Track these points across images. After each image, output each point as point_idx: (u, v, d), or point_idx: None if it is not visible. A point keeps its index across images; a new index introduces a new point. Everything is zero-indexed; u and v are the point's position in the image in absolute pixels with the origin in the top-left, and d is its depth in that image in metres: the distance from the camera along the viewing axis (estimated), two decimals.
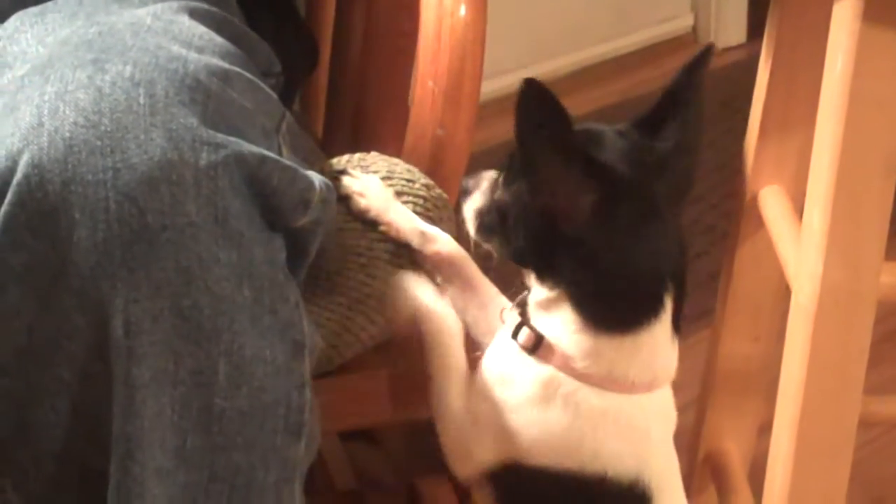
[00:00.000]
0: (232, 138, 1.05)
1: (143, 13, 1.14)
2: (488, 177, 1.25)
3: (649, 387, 1.20)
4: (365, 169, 1.34)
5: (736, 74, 2.88)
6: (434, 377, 1.23)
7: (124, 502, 1.06)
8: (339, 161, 1.37)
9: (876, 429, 2.02)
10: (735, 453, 1.72)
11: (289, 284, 1.11)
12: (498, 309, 1.28)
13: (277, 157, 1.08)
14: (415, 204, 1.31)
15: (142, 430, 1.05)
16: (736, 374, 1.71)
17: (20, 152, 1.02)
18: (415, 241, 1.30)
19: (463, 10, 1.32)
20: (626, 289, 1.17)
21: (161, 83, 1.05)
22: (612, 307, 1.17)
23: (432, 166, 1.35)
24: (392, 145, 1.40)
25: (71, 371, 1.06)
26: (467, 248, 1.30)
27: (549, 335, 1.18)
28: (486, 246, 1.25)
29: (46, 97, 1.04)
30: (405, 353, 1.30)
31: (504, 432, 1.20)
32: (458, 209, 1.28)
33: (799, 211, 1.39)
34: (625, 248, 1.15)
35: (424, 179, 1.33)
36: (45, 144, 1.02)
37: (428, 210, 1.32)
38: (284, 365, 1.10)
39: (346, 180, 1.30)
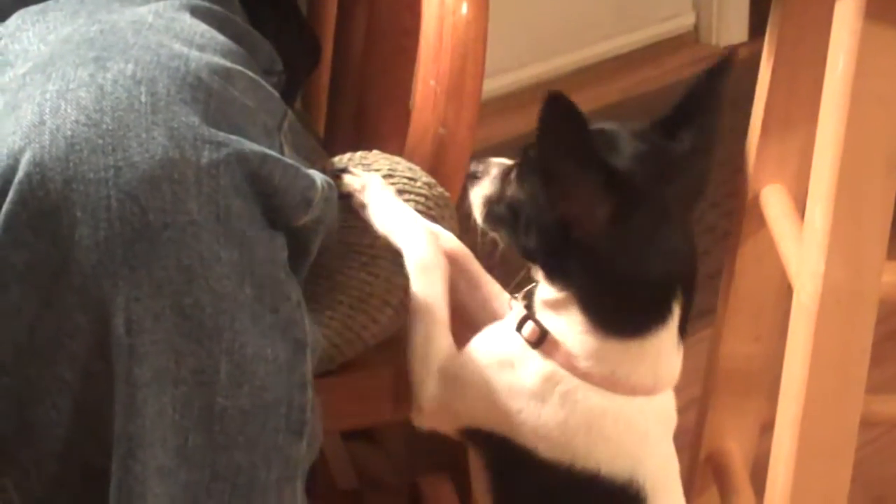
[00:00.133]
0: (233, 137, 1.05)
1: (145, 11, 1.14)
2: (497, 164, 1.25)
3: (651, 390, 1.20)
4: (366, 167, 1.34)
5: (737, 73, 2.87)
6: (417, 317, 1.24)
7: (125, 501, 1.06)
8: (341, 159, 1.37)
9: (877, 428, 2.02)
10: (737, 453, 1.72)
11: (290, 283, 1.10)
12: (500, 306, 1.28)
13: (279, 156, 1.08)
14: (416, 202, 1.31)
15: (143, 428, 1.05)
16: (737, 374, 1.70)
17: (22, 150, 1.02)
18: None
19: (465, 9, 1.32)
20: (636, 294, 1.16)
21: (163, 81, 1.05)
22: (620, 312, 1.17)
23: (434, 165, 1.35)
24: (394, 144, 1.40)
25: (72, 370, 1.05)
26: (470, 244, 1.30)
27: (554, 332, 1.18)
28: (493, 234, 1.25)
29: (48, 95, 1.04)
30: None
31: (494, 409, 1.20)
32: (464, 194, 1.27)
33: (801, 210, 1.39)
34: (638, 255, 1.14)
35: (426, 178, 1.33)
36: (47, 143, 1.02)
37: (429, 209, 1.32)
38: (286, 364, 1.10)
39: (347, 178, 1.30)
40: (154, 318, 1.03)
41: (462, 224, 1.32)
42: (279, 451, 1.11)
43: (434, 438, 1.27)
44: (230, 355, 1.06)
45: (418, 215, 1.30)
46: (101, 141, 1.02)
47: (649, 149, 1.16)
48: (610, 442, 1.19)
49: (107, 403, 1.05)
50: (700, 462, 1.75)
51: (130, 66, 1.05)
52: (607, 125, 1.19)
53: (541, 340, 1.19)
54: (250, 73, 1.12)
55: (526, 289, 1.23)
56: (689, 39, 3.17)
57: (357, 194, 1.30)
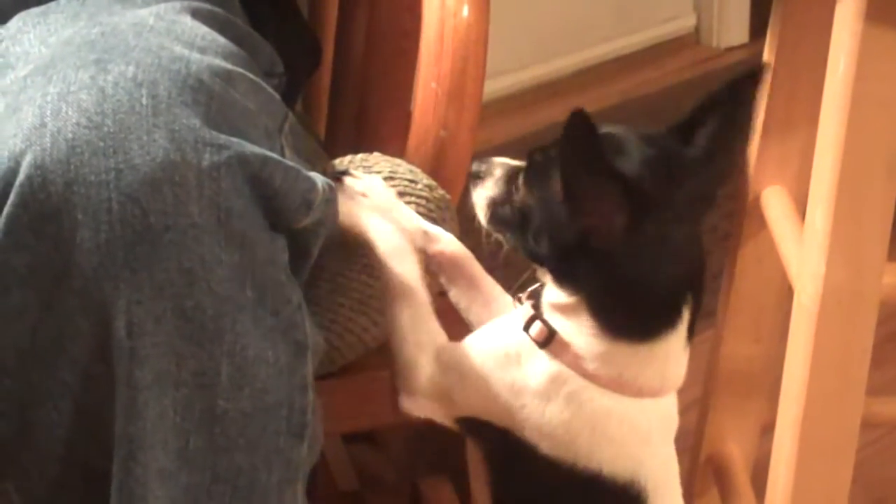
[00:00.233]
0: (234, 139, 1.05)
1: (146, 13, 1.14)
2: (500, 164, 1.25)
3: (657, 393, 1.20)
4: (367, 170, 1.34)
5: (738, 75, 2.87)
6: (399, 302, 1.23)
7: None
8: (342, 162, 1.37)
9: (878, 430, 2.02)
10: (737, 455, 1.72)
11: (291, 285, 1.10)
12: (501, 307, 1.28)
13: (280, 158, 1.08)
14: (417, 205, 1.31)
15: (144, 431, 1.05)
16: (738, 375, 1.70)
17: (23, 153, 1.02)
18: (417, 241, 1.29)
19: (466, 11, 1.32)
20: (648, 299, 1.16)
21: (164, 84, 1.05)
22: (631, 316, 1.17)
23: (435, 167, 1.35)
24: (394, 146, 1.40)
25: (73, 372, 1.05)
26: (471, 246, 1.30)
27: (563, 333, 1.18)
28: (497, 236, 1.24)
29: (49, 98, 1.04)
30: None
31: (495, 403, 1.20)
32: (466, 195, 1.27)
33: (801, 211, 1.39)
34: (651, 260, 1.14)
35: (427, 180, 1.33)
36: (48, 145, 1.02)
37: (430, 211, 1.32)
38: (287, 366, 1.10)
39: (348, 180, 1.30)
40: (155, 321, 1.03)
41: (464, 226, 1.32)
42: (280, 454, 1.11)
43: (435, 440, 1.27)
44: (231, 358, 1.06)
45: (419, 216, 1.30)
46: (102, 143, 1.02)
47: (658, 153, 1.16)
48: (614, 442, 1.19)
49: (108, 406, 1.05)
50: (700, 464, 1.75)
51: (131, 69, 1.05)
52: (615, 129, 1.18)
53: (548, 341, 1.19)
54: (251, 76, 1.12)
55: (531, 288, 1.23)
56: (689, 41, 3.17)
57: (357, 197, 1.30)
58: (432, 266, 1.30)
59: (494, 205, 1.24)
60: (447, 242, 1.30)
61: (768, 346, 1.68)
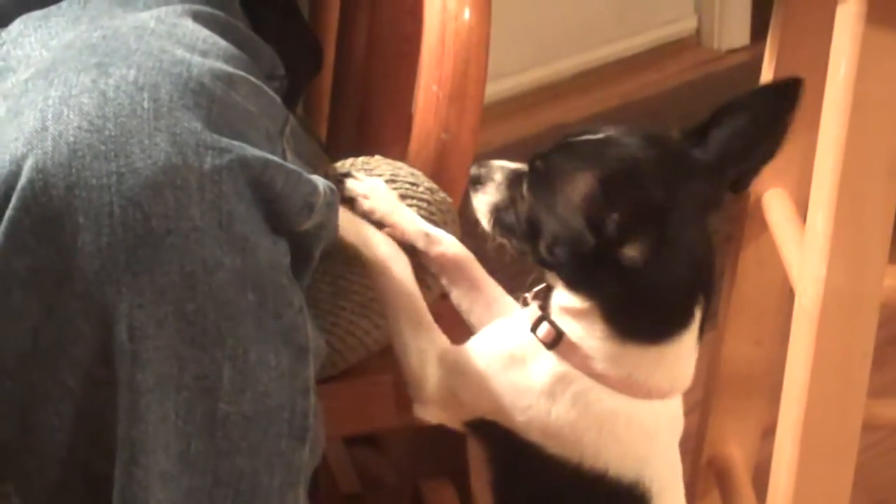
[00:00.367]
0: (236, 142, 1.05)
1: (147, 17, 1.14)
2: (500, 167, 1.24)
3: (666, 394, 1.20)
4: (369, 172, 1.34)
5: (739, 77, 2.88)
6: (404, 312, 1.24)
7: None
8: (343, 164, 1.37)
9: (879, 432, 2.02)
10: (738, 457, 1.72)
11: (293, 288, 1.10)
12: (504, 308, 1.28)
13: (281, 161, 1.08)
14: (419, 207, 1.31)
15: (146, 434, 1.05)
16: (739, 378, 1.70)
17: (24, 157, 1.02)
18: (420, 243, 1.29)
19: (467, 14, 1.32)
20: (662, 303, 1.17)
21: (165, 87, 1.05)
22: (646, 319, 1.17)
23: (436, 170, 1.35)
24: (396, 149, 1.40)
25: (75, 375, 1.06)
26: (472, 248, 1.30)
27: (572, 335, 1.18)
28: (501, 241, 1.24)
29: (50, 101, 1.04)
30: None
31: (501, 404, 1.20)
32: (467, 197, 1.27)
33: (802, 214, 1.39)
34: (667, 265, 1.14)
35: (428, 183, 1.33)
36: (50, 149, 1.02)
37: (432, 214, 1.32)
38: (289, 369, 1.10)
39: (349, 183, 1.30)
40: (157, 325, 1.03)
41: (465, 228, 1.32)
42: (282, 457, 1.11)
43: (437, 443, 1.27)
44: (233, 361, 1.06)
45: (420, 219, 1.30)
46: (103, 147, 1.02)
47: (662, 155, 1.16)
48: (620, 443, 1.19)
49: (109, 409, 1.05)
50: (702, 466, 1.75)
51: (133, 72, 1.05)
52: (617, 132, 1.18)
53: (556, 342, 1.19)
54: (252, 79, 1.12)
55: (537, 289, 1.23)
56: (690, 43, 3.17)
57: (359, 199, 1.30)
58: (434, 268, 1.30)
59: (498, 211, 1.23)
60: (449, 245, 1.30)
61: (769, 349, 1.68)
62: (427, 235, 1.29)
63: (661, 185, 1.12)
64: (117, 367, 1.04)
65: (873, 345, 1.33)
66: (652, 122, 1.21)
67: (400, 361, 1.25)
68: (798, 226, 1.46)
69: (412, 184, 1.33)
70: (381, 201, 1.30)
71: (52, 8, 1.27)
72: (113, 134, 1.02)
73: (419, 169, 1.35)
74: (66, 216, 1.01)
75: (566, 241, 1.16)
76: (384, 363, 1.31)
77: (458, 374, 1.22)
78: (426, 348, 1.24)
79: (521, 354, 1.20)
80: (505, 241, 1.23)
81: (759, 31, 2.99)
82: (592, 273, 1.15)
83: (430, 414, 1.24)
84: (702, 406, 1.75)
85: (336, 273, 1.28)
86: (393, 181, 1.33)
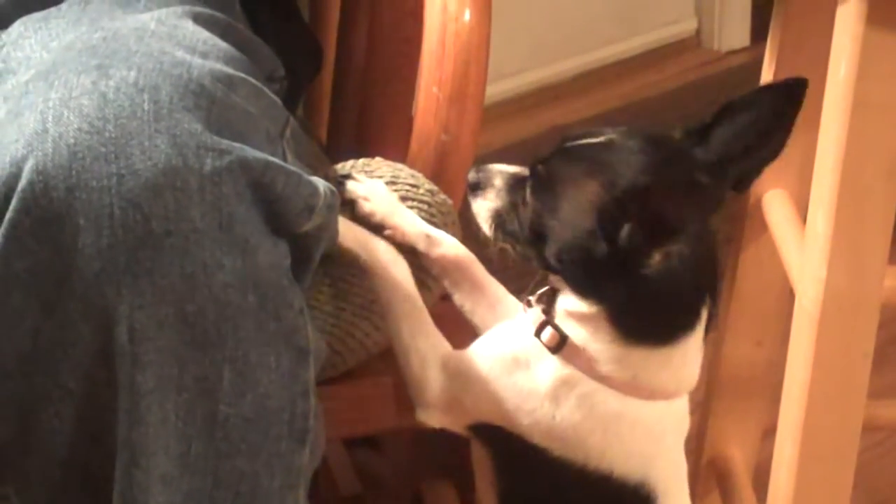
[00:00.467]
0: (236, 144, 1.05)
1: (147, 18, 1.14)
2: (498, 172, 1.24)
3: (671, 395, 1.20)
4: (369, 174, 1.34)
5: (739, 78, 2.88)
6: (405, 317, 1.24)
7: None
8: (344, 166, 1.37)
9: (880, 433, 2.02)
10: (739, 458, 1.72)
11: (293, 290, 1.10)
12: (507, 309, 1.28)
13: (282, 163, 1.08)
14: (419, 209, 1.31)
15: (146, 436, 1.05)
16: (739, 379, 1.70)
17: (24, 159, 1.02)
18: (420, 245, 1.29)
19: (467, 15, 1.32)
20: (671, 306, 1.17)
21: (165, 89, 1.05)
22: (653, 322, 1.17)
23: (437, 171, 1.35)
24: (396, 151, 1.40)
25: (75, 377, 1.06)
26: (473, 249, 1.30)
27: (577, 339, 1.18)
28: (502, 246, 1.24)
29: (51, 103, 1.04)
30: None
31: (504, 407, 1.20)
32: (467, 201, 1.27)
33: (803, 215, 1.39)
34: (677, 271, 1.14)
35: (428, 185, 1.33)
36: (50, 151, 1.02)
37: (432, 215, 1.32)
38: (289, 371, 1.10)
39: (350, 185, 1.30)
40: (157, 326, 1.03)
41: (465, 230, 1.32)
42: (282, 459, 1.11)
43: (437, 444, 1.27)
44: (233, 363, 1.06)
45: (421, 220, 1.30)
46: (103, 149, 1.02)
47: (665, 157, 1.15)
48: (625, 444, 1.19)
49: (110, 411, 1.05)
50: (702, 467, 1.75)
51: (133, 74, 1.05)
52: (619, 135, 1.18)
53: (560, 346, 1.19)
54: (253, 80, 1.12)
55: (540, 291, 1.23)
56: (690, 44, 3.17)
57: (360, 201, 1.30)
58: (435, 270, 1.30)
59: (499, 216, 1.22)
60: (450, 246, 1.30)
61: (770, 350, 1.68)
62: (428, 237, 1.29)
63: (671, 192, 1.12)
64: (117, 368, 1.04)
65: (873, 346, 1.34)
66: (652, 123, 1.21)
67: (401, 367, 1.25)
68: (798, 227, 1.46)
69: (412, 185, 1.33)
70: (382, 203, 1.30)
71: (53, 10, 1.27)
72: (113, 136, 1.02)
73: (419, 170, 1.35)
74: (67, 218, 1.01)
75: (576, 248, 1.15)
76: (384, 365, 1.31)
77: (461, 378, 1.22)
78: (428, 353, 1.24)
79: (525, 358, 1.20)
80: (507, 246, 1.23)
81: (759, 32, 2.99)
82: (601, 278, 1.15)
83: (432, 419, 1.24)
84: (702, 407, 1.75)
85: (336, 275, 1.28)
86: (393, 183, 1.33)
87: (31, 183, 1.01)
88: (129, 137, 1.02)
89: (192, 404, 1.06)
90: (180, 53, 1.09)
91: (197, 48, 1.11)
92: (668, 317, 1.17)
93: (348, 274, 1.29)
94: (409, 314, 1.25)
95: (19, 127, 1.04)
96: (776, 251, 1.50)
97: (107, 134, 1.02)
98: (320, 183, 1.12)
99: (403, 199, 1.31)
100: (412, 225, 1.29)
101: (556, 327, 1.19)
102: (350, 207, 1.29)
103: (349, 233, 1.24)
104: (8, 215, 1.02)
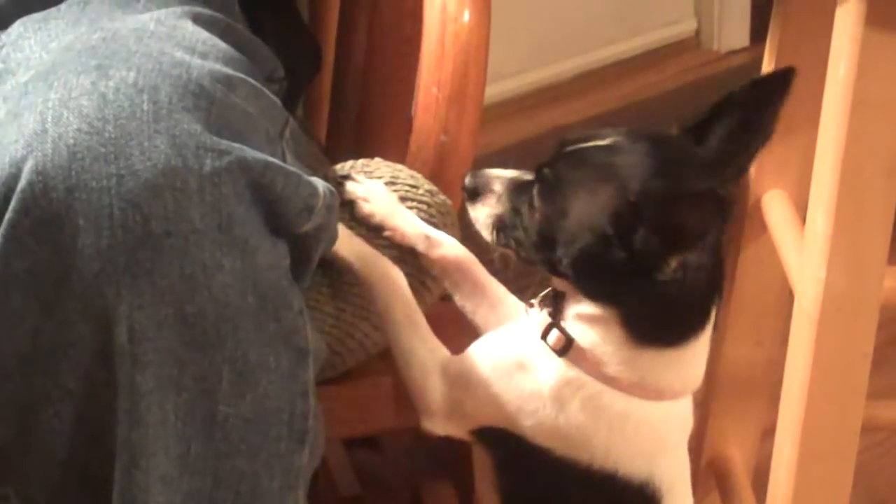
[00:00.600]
0: (236, 144, 1.05)
1: (147, 19, 1.14)
2: (496, 177, 1.23)
3: (678, 395, 1.20)
4: (368, 175, 1.34)
5: (739, 78, 2.87)
6: (403, 327, 1.24)
7: None
8: (343, 167, 1.37)
9: (879, 433, 2.02)
10: (738, 458, 1.72)
11: (293, 291, 1.10)
12: (508, 309, 1.28)
13: (281, 164, 1.08)
14: (418, 210, 1.31)
15: (146, 437, 1.05)
16: (739, 379, 1.70)
17: (24, 159, 1.02)
18: (420, 246, 1.29)
19: (467, 16, 1.32)
20: (683, 308, 1.17)
21: (165, 89, 1.05)
22: (664, 325, 1.17)
23: (436, 172, 1.35)
24: (396, 151, 1.40)
25: (75, 377, 1.06)
26: (473, 250, 1.30)
27: (583, 342, 1.18)
28: (504, 251, 1.24)
29: (50, 104, 1.04)
30: None
31: (507, 410, 1.20)
32: (464, 205, 1.27)
33: (802, 215, 1.39)
34: (690, 273, 1.14)
35: (428, 185, 1.33)
36: (49, 151, 1.02)
37: (432, 216, 1.32)
38: (288, 372, 1.10)
39: (349, 185, 1.30)
40: (157, 327, 1.03)
41: (465, 231, 1.32)
42: (281, 459, 1.11)
43: (436, 445, 1.27)
44: (232, 363, 1.06)
45: (421, 221, 1.30)
46: (103, 149, 1.02)
47: (669, 157, 1.15)
48: (630, 444, 1.19)
49: (109, 411, 1.05)
50: (701, 467, 1.75)
51: (132, 74, 1.05)
52: (621, 136, 1.17)
53: (566, 348, 1.18)
54: (252, 81, 1.12)
55: (543, 294, 1.23)
56: (690, 45, 3.17)
57: (359, 202, 1.30)
58: (435, 271, 1.30)
59: (501, 222, 1.22)
60: (449, 247, 1.30)
61: (769, 350, 1.68)
62: (427, 238, 1.29)
63: (683, 195, 1.11)
64: (117, 368, 1.04)
65: (873, 346, 1.33)
66: (652, 123, 1.21)
67: (403, 378, 1.25)
68: (797, 227, 1.46)
69: (412, 186, 1.33)
70: (381, 204, 1.30)
71: (52, 10, 1.27)
72: (112, 136, 1.02)
73: (419, 171, 1.35)
74: (66, 218, 1.01)
75: (590, 253, 1.15)
76: (384, 365, 1.31)
77: (462, 384, 1.22)
78: (427, 361, 1.24)
79: (528, 360, 1.20)
80: (508, 251, 1.23)
81: (758, 32, 2.98)
82: (613, 282, 1.15)
83: (437, 426, 1.24)
84: (702, 407, 1.74)
85: (336, 275, 1.28)
86: (393, 183, 1.33)
87: (30, 183, 1.01)
88: (129, 138, 1.02)
89: (192, 405, 1.06)
90: (180, 54, 1.09)
91: (196, 49, 1.11)
92: (680, 319, 1.17)
93: (348, 274, 1.29)
94: (407, 325, 1.25)
95: (19, 127, 1.04)
96: (775, 251, 1.50)
97: (106, 134, 1.02)
98: (319, 183, 1.12)
99: (403, 199, 1.31)
100: (412, 226, 1.29)
101: (562, 330, 1.19)
102: (349, 208, 1.29)
103: (346, 244, 1.24)
104: (7, 216, 1.02)
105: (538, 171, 1.20)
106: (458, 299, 1.30)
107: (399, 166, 1.36)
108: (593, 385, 1.18)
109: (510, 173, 1.23)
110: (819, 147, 1.30)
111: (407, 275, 1.28)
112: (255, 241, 1.06)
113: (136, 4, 1.25)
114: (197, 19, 1.18)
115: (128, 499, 1.06)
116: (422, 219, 1.30)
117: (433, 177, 1.34)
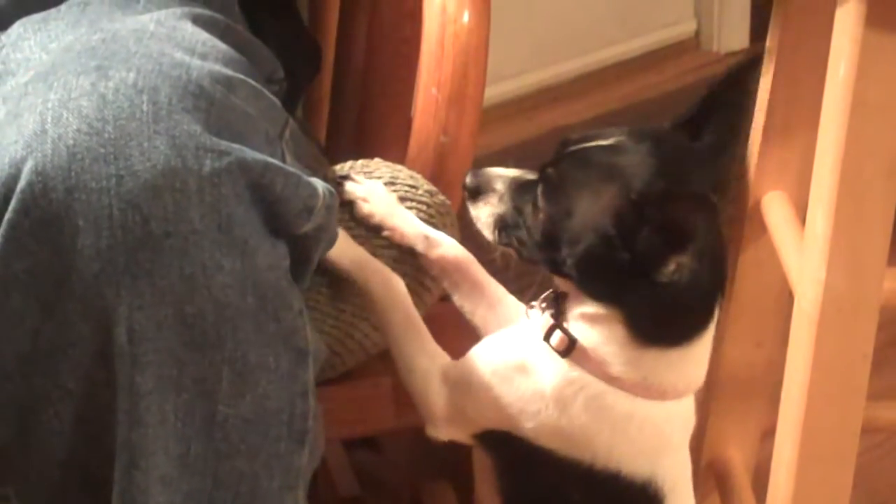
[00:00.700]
0: (235, 145, 1.05)
1: (147, 20, 1.14)
2: (498, 177, 1.23)
3: (680, 394, 1.20)
4: (368, 175, 1.34)
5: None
6: (403, 335, 1.25)
7: None
8: (343, 167, 1.37)
9: (879, 434, 2.02)
10: (738, 459, 1.72)
11: (292, 291, 1.11)
12: (507, 309, 1.28)
13: (281, 164, 1.08)
14: (418, 210, 1.31)
15: (145, 437, 1.05)
16: (739, 380, 1.70)
17: (24, 160, 1.02)
18: (419, 246, 1.30)
19: (466, 17, 1.32)
20: (688, 307, 1.17)
21: (164, 90, 1.05)
22: (668, 325, 1.17)
23: (436, 172, 1.35)
24: (395, 152, 1.40)
25: (75, 378, 1.06)
26: (472, 250, 1.30)
27: (587, 342, 1.18)
28: (505, 251, 1.23)
29: (50, 104, 1.04)
30: None
31: (509, 412, 1.20)
32: (465, 205, 1.27)
33: (802, 217, 1.39)
34: (694, 273, 1.14)
35: (428, 186, 1.33)
36: (49, 152, 1.02)
37: (431, 216, 1.32)
38: (288, 372, 1.10)
39: (349, 185, 1.30)
40: (156, 327, 1.03)
41: (464, 231, 1.32)
42: (281, 460, 1.11)
43: (436, 446, 1.27)
44: (232, 364, 1.06)
45: (420, 221, 1.30)
46: (102, 150, 1.02)
47: (671, 156, 1.16)
48: (633, 443, 1.19)
49: (109, 412, 1.05)
50: (701, 468, 1.74)
51: (132, 75, 1.05)
52: (623, 137, 1.17)
53: (569, 349, 1.18)
54: (252, 82, 1.12)
55: (545, 295, 1.23)
56: (690, 46, 3.17)
57: (359, 202, 1.30)
58: (434, 271, 1.30)
59: (503, 221, 1.22)
60: (449, 247, 1.30)
61: (769, 351, 1.68)
62: (427, 238, 1.30)
63: (694, 200, 1.12)
64: (117, 369, 1.04)
65: (873, 347, 1.33)
66: (652, 124, 1.21)
67: (405, 385, 1.25)
68: (797, 228, 1.46)
69: (411, 186, 1.33)
70: (381, 204, 1.30)
71: (52, 11, 1.27)
72: (112, 137, 1.02)
73: (418, 171, 1.35)
74: (66, 219, 1.01)
75: (594, 253, 1.15)
76: (383, 366, 1.31)
77: (463, 389, 1.23)
78: (428, 368, 1.24)
79: (531, 363, 1.20)
80: (510, 250, 1.23)
81: (758, 33, 2.97)
82: (617, 282, 1.15)
83: (441, 432, 1.25)
84: (702, 408, 1.74)
85: (335, 276, 1.28)
86: (392, 184, 1.33)
87: (30, 184, 1.01)
88: (129, 139, 1.02)
89: (192, 405, 1.06)
90: (179, 55, 1.09)
91: (196, 49, 1.11)
92: (683, 319, 1.17)
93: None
94: (407, 332, 1.25)
95: (18, 128, 1.04)
96: (775, 252, 1.49)
97: (106, 135, 1.02)
98: (319, 184, 1.12)
99: (402, 199, 1.31)
100: (411, 226, 1.29)
101: (564, 331, 1.19)
102: (349, 208, 1.29)
103: (344, 252, 1.24)
104: (7, 216, 1.02)
105: (542, 170, 1.20)
106: (457, 299, 1.30)
107: (398, 167, 1.36)
108: (596, 385, 1.18)
109: (512, 172, 1.23)
110: (819, 148, 1.30)
111: (406, 275, 1.28)
112: (254, 242, 1.06)
113: (135, 5, 1.25)
114: (197, 20, 1.18)
115: (127, 499, 1.06)
116: (421, 219, 1.30)
117: (433, 177, 1.34)
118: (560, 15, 2.98)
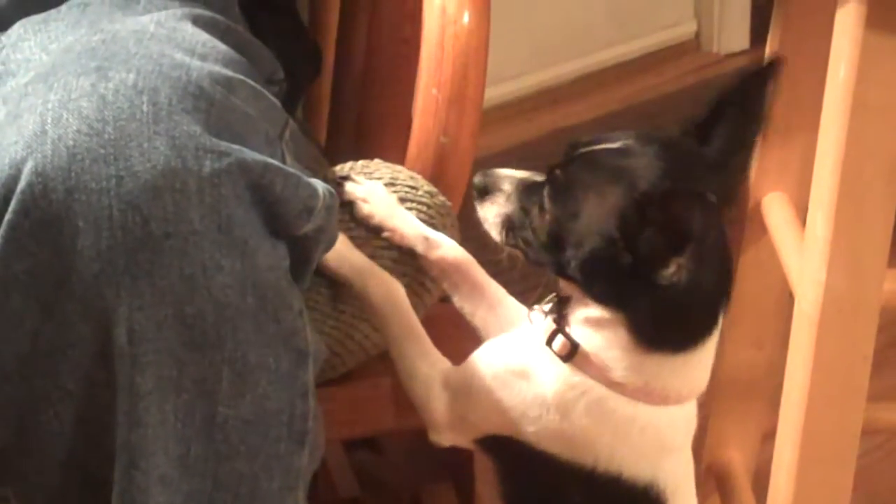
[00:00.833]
0: (235, 146, 1.05)
1: (147, 21, 1.14)
2: (506, 177, 1.23)
3: (683, 399, 1.20)
4: (368, 176, 1.34)
5: None
6: (403, 341, 1.25)
7: None
8: (343, 168, 1.37)
9: (880, 436, 2.02)
10: (739, 461, 1.72)
11: (292, 292, 1.11)
12: (507, 311, 1.28)
13: (281, 165, 1.08)
14: (418, 211, 1.31)
15: (145, 438, 1.05)
16: (739, 382, 1.70)
17: (24, 160, 1.02)
18: (419, 247, 1.30)
19: (466, 18, 1.32)
20: (692, 312, 1.16)
21: (164, 91, 1.05)
22: (672, 330, 1.17)
23: (436, 173, 1.35)
24: (395, 153, 1.40)
25: (74, 379, 1.06)
26: (472, 251, 1.30)
27: (589, 347, 1.18)
28: (511, 252, 1.23)
29: (50, 105, 1.04)
30: None
31: (511, 417, 1.20)
32: (467, 201, 1.27)
33: (802, 218, 1.39)
34: (699, 277, 1.13)
35: (428, 187, 1.33)
36: (49, 153, 1.02)
37: (431, 217, 1.32)
38: (288, 373, 1.10)
39: (349, 186, 1.30)
40: (156, 328, 1.03)
41: (465, 232, 1.32)
42: (281, 460, 1.11)
43: (436, 447, 1.27)
44: (232, 364, 1.06)
45: (420, 222, 1.30)
46: (102, 150, 1.02)
47: (678, 162, 1.15)
48: (635, 447, 1.19)
49: (109, 413, 1.05)
50: (702, 470, 1.74)
51: (132, 76, 1.05)
52: (629, 140, 1.17)
53: (572, 354, 1.18)
54: (252, 83, 1.12)
55: (547, 300, 1.22)
56: (690, 47, 3.16)
57: (359, 203, 1.30)
58: (434, 272, 1.30)
59: (510, 222, 1.22)
60: (449, 248, 1.30)
61: (770, 353, 1.68)
62: (426, 239, 1.29)
63: (693, 199, 1.11)
64: (117, 370, 1.04)
65: (873, 348, 1.33)
66: (652, 126, 1.21)
67: (407, 391, 1.25)
68: (798, 229, 1.46)
69: (411, 187, 1.33)
70: (381, 205, 1.30)
71: (52, 12, 1.27)
72: (112, 137, 1.02)
73: (418, 172, 1.35)
74: (66, 220, 1.01)
75: (599, 255, 1.15)
76: (383, 367, 1.31)
77: (464, 394, 1.22)
78: (429, 375, 1.24)
79: (532, 367, 1.20)
80: (516, 251, 1.23)
81: (758, 34, 2.98)
82: (621, 286, 1.15)
83: (443, 438, 1.25)
84: (702, 409, 1.74)
85: (335, 277, 1.28)
86: (392, 184, 1.33)
87: (30, 185, 1.01)
88: (129, 139, 1.02)
89: (192, 406, 1.06)
90: (179, 56, 1.09)
91: (196, 50, 1.11)
92: (687, 324, 1.17)
93: None
94: (407, 338, 1.25)
95: (18, 129, 1.04)
96: (776, 254, 1.49)
97: (106, 136, 1.02)
98: (319, 185, 1.12)
99: (402, 200, 1.31)
100: (411, 227, 1.29)
101: (567, 336, 1.19)
102: (349, 209, 1.29)
103: (343, 258, 1.24)
104: (7, 217, 1.02)
105: (549, 172, 1.20)
106: (457, 300, 1.30)
107: (398, 167, 1.36)
108: (598, 390, 1.18)
109: (520, 173, 1.23)
110: (819, 149, 1.30)
111: (406, 276, 1.28)
112: (254, 243, 1.06)
113: (136, 6, 1.25)
114: (197, 21, 1.18)
115: (127, 500, 1.06)
116: (421, 220, 1.30)
117: (433, 178, 1.34)
118: (560, 16, 2.98)
